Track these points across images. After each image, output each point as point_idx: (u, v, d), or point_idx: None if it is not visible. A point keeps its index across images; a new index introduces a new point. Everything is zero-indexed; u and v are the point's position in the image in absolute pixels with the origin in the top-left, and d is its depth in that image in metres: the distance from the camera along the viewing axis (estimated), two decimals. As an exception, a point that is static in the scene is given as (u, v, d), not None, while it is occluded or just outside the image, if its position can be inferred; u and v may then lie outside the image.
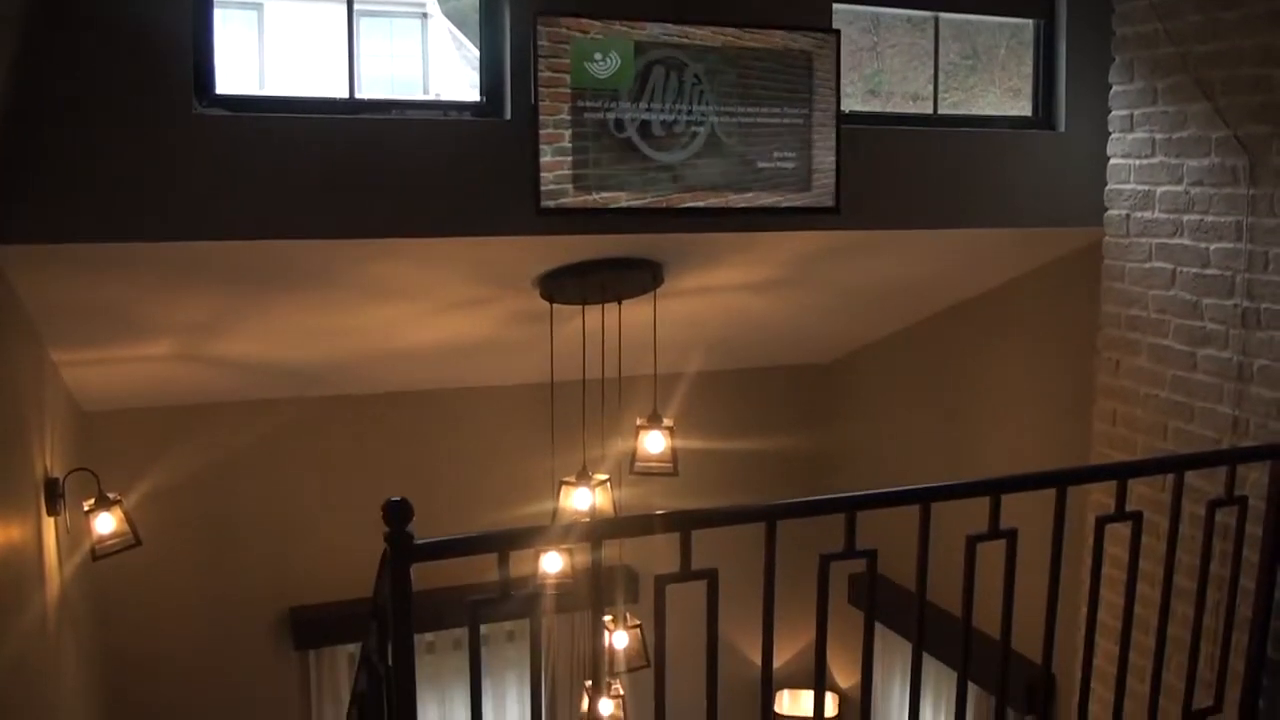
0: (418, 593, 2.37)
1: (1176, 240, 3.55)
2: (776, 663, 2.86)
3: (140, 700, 4.97)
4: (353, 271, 3.54)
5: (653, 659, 2.75)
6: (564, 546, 3.75)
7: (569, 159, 3.17)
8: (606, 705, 3.85)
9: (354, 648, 4.74)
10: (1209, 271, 3.44)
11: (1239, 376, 3.36)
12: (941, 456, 5.03)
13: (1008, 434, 4.67)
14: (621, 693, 4.03)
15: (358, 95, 3.23)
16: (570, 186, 3.19)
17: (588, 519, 3.67)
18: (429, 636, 5.30)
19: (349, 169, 3.12)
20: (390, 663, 2.36)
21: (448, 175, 3.20)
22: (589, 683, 4.13)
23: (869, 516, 2.71)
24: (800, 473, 5.65)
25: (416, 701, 2.39)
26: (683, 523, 2.56)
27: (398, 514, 2.26)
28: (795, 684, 5.83)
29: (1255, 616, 3.24)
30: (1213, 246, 3.43)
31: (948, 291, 4.83)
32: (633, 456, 4.05)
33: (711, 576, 2.60)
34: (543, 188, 3.15)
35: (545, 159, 3.15)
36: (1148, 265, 3.65)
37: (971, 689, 3.11)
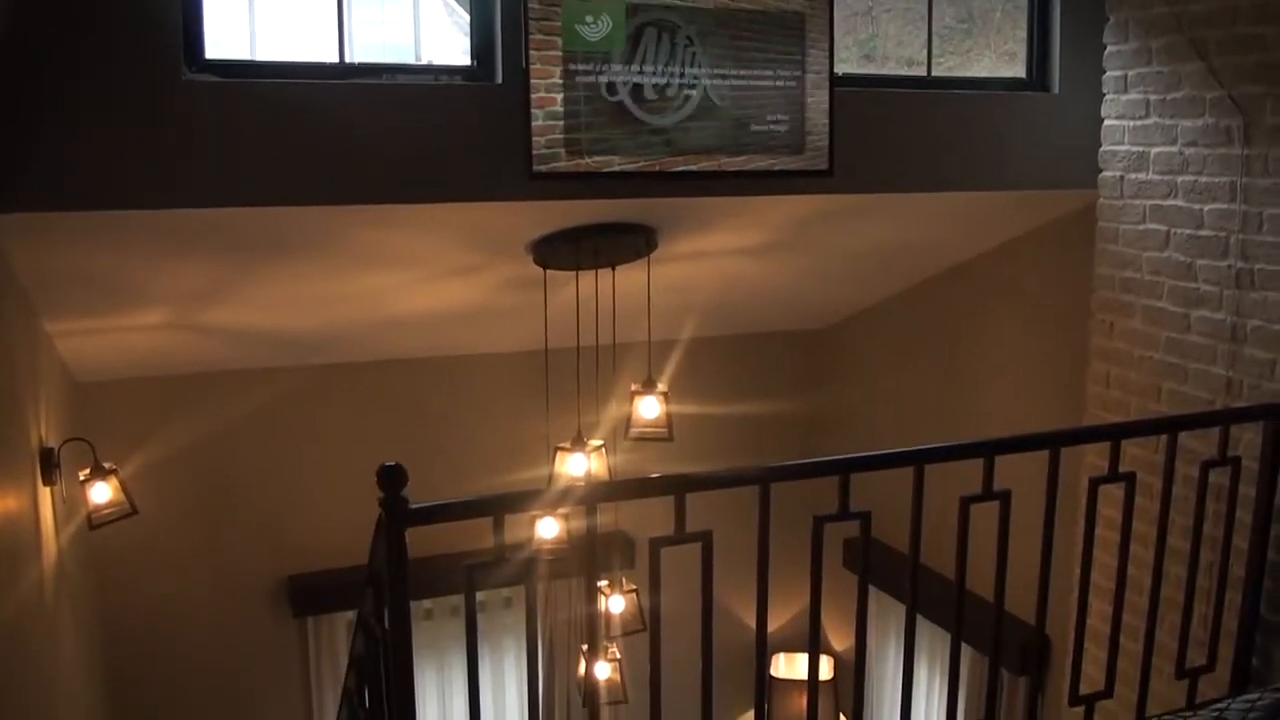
0: (415, 560, 2.38)
1: (1170, 202, 3.54)
2: (772, 626, 2.88)
3: (139, 667, 4.99)
4: (345, 238, 3.53)
5: (648, 623, 2.77)
6: (559, 512, 3.76)
7: (561, 123, 3.16)
8: (603, 668, 3.87)
9: (352, 614, 4.74)
10: (1203, 233, 3.44)
11: (1232, 338, 3.36)
12: (936, 420, 5.04)
13: (1002, 397, 4.68)
14: (618, 656, 4.05)
15: (348, 60, 3.21)
16: (562, 151, 3.17)
17: (583, 484, 3.68)
18: (426, 603, 5.33)
19: (340, 135, 3.10)
20: (387, 626, 2.37)
21: (439, 140, 3.19)
22: (586, 646, 4.14)
23: (863, 480, 2.72)
24: (795, 438, 5.67)
25: (414, 665, 2.41)
26: (677, 486, 2.57)
27: (392, 479, 2.27)
28: (791, 647, 5.87)
29: (1248, 576, 3.26)
30: (1207, 208, 3.42)
31: (942, 255, 4.82)
32: (628, 422, 4.05)
33: (706, 539, 2.62)
34: (535, 152, 3.14)
35: (537, 123, 3.13)
36: (1142, 227, 3.65)
37: (965, 650, 3.14)
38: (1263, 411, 3.18)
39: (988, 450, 2.84)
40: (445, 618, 5.37)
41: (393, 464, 2.27)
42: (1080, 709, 3.19)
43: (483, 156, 3.22)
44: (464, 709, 2.55)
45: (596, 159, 3.22)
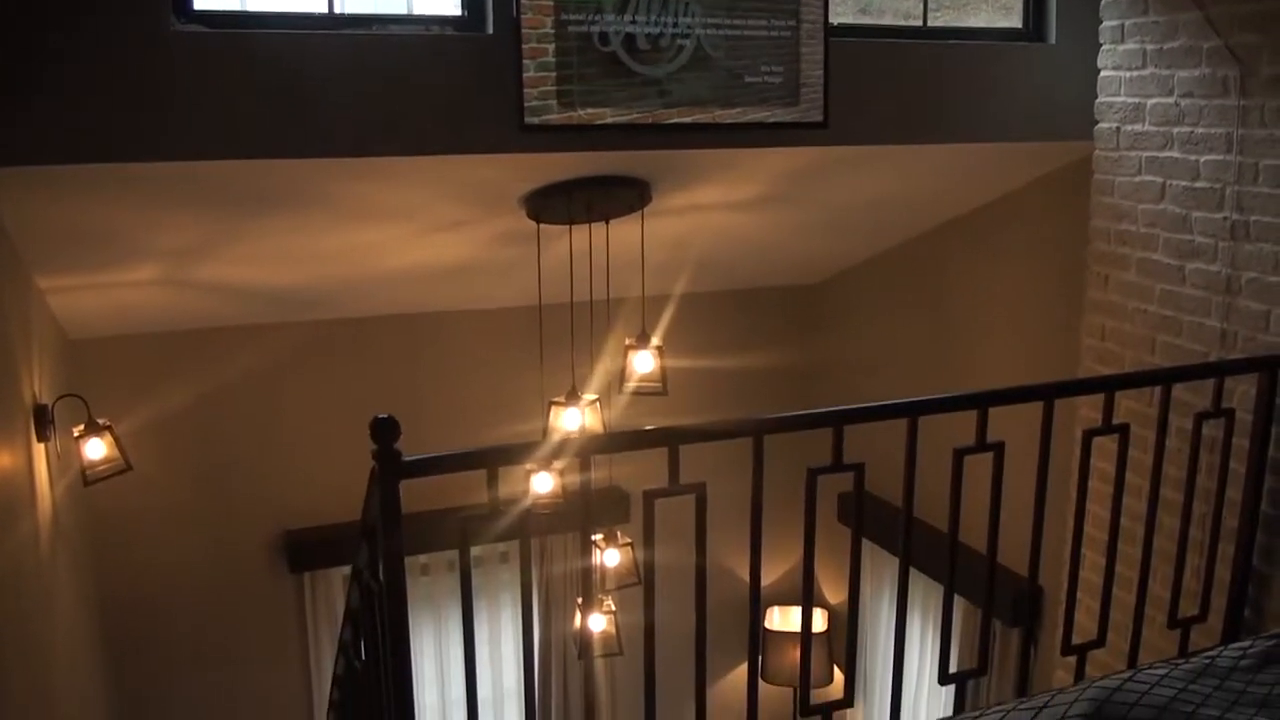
0: (410, 515, 2.38)
1: (1166, 153, 3.53)
2: (766, 580, 2.89)
3: (137, 621, 5.01)
4: (335, 192, 3.51)
5: (643, 576, 2.78)
6: (554, 466, 3.76)
7: (553, 74, 3.13)
8: (598, 621, 3.89)
9: (349, 569, 4.78)
10: (1199, 184, 3.42)
11: (1227, 290, 3.36)
12: (931, 375, 5.05)
13: (996, 351, 4.68)
14: (613, 609, 4.07)
15: (337, 11, 3.18)
16: (554, 102, 3.14)
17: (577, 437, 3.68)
18: (423, 558, 5.35)
19: (329, 86, 3.07)
20: (381, 578, 2.37)
21: (430, 92, 3.16)
22: (581, 600, 4.16)
23: (857, 434, 2.72)
24: (790, 393, 5.67)
25: (410, 619, 2.41)
26: (671, 438, 2.57)
27: (384, 430, 2.27)
28: (785, 600, 5.90)
29: (1241, 528, 3.27)
30: (1203, 159, 3.40)
31: (937, 209, 4.80)
32: (622, 377, 4.05)
33: (700, 491, 2.62)
34: (526, 104, 3.11)
35: (528, 74, 3.10)
36: (1137, 179, 3.63)
37: (958, 602, 3.15)
38: (1257, 363, 3.18)
39: (981, 402, 2.83)
40: (441, 573, 5.40)
41: (385, 416, 2.27)
42: (1072, 658, 3.21)
43: (474, 108, 3.20)
44: (461, 662, 2.55)
45: (589, 111, 3.19)
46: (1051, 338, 4.28)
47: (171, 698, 5.13)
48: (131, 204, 3.34)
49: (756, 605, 2.82)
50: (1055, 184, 4.22)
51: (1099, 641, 3.20)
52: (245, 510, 5.16)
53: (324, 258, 4.15)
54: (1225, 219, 3.33)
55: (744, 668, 3.07)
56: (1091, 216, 3.82)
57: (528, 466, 3.76)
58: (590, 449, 2.66)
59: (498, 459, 2.46)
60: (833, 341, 5.89)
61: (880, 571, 5.49)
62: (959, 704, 3.16)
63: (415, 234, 4.04)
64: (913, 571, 2.99)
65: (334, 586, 5.23)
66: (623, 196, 3.80)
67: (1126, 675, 2.21)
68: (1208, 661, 2.30)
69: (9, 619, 2.79)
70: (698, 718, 2.82)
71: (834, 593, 6.01)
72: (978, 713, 2.10)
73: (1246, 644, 2.41)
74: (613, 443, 2.76)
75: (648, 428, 2.66)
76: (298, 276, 4.36)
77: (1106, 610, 3.21)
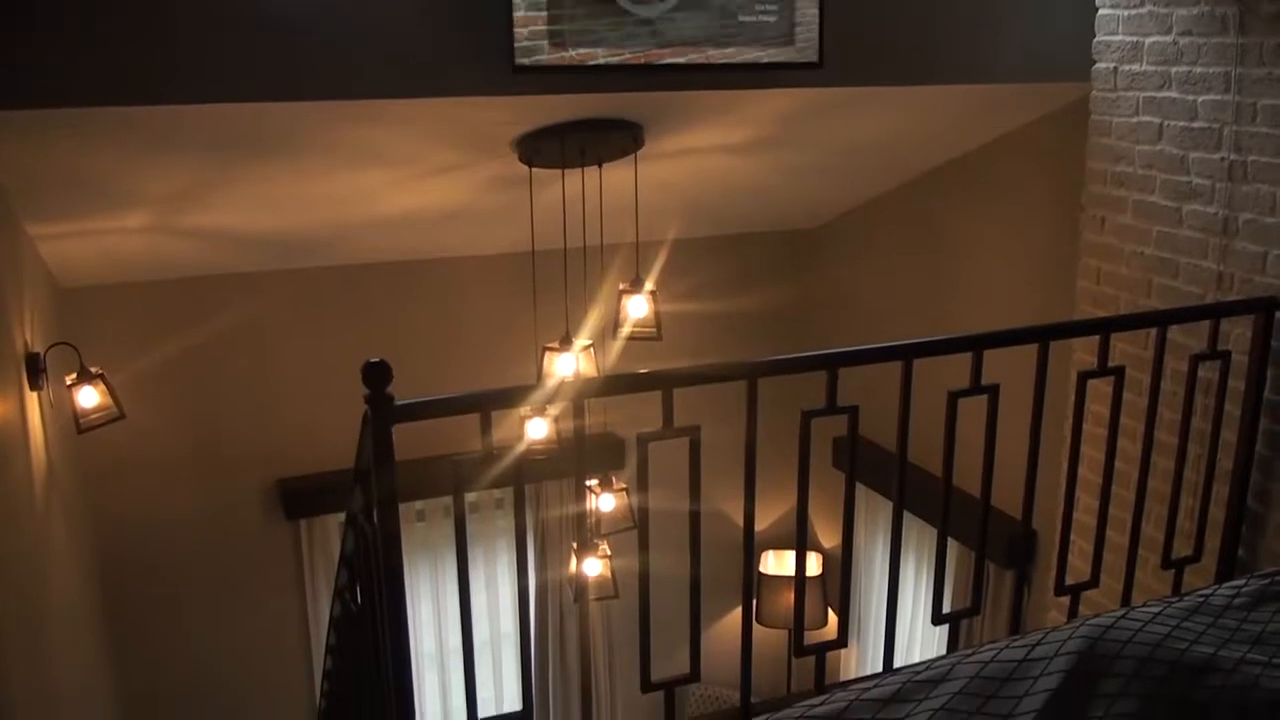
0: (405, 462, 2.38)
1: (1164, 93, 3.49)
2: (761, 525, 2.90)
3: (134, 571, 5.04)
4: (324, 137, 3.47)
5: (637, 520, 2.78)
6: (548, 412, 3.76)
7: (544, 14, 3.08)
8: (594, 564, 3.90)
9: (344, 516, 4.80)
10: (1196, 124, 3.39)
11: (1224, 231, 3.34)
12: (927, 319, 5.04)
13: (992, 296, 4.67)
14: (608, 553, 4.08)
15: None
16: (545, 43, 3.10)
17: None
18: (418, 505, 5.37)
19: (318, 28, 3.02)
20: (375, 522, 2.37)
21: (419, 33, 3.11)
22: (576, 544, 4.17)
23: (852, 378, 2.71)
24: (785, 339, 5.66)
25: (407, 566, 2.42)
26: (664, 381, 2.56)
27: (376, 374, 2.26)
28: (780, 545, 5.94)
29: (1236, 469, 3.28)
30: (1201, 99, 3.37)
31: (933, 151, 4.77)
32: (615, 322, 4.04)
33: (694, 434, 2.62)
34: (517, 44, 3.07)
35: (519, 14, 3.05)
36: (1135, 120, 3.60)
37: (952, 545, 3.16)
38: (1253, 305, 3.17)
39: (976, 344, 2.82)
40: (438, 519, 5.42)
41: (377, 360, 2.26)
42: (1066, 599, 3.23)
43: (464, 50, 3.15)
44: (458, 606, 2.56)
45: (581, 51, 3.15)
46: (1047, 280, 4.26)
47: (169, 644, 5.16)
48: (121, 149, 3.31)
49: (750, 543, 2.82)
50: (1052, 126, 4.19)
51: (1092, 582, 3.21)
52: (240, 458, 5.16)
53: (315, 204, 4.12)
54: (1223, 160, 3.31)
55: (739, 611, 3.09)
56: (1088, 158, 3.79)
57: (522, 412, 3.75)
58: (584, 393, 2.65)
59: (491, 403, 2.45)
60: (828, 286, 5.87)
61: (874, 516, 5.52)
62: (952, 644, 3.18)
63: (407, 179, 4.00)
64: (907, 515, 3.00)
65: (330, 533, 5.24)
66: (616, 140, 3.77)
67: (1120, 613, 2.21)
68: (1202, 600, 2.31)
69: (4, 567, 2.79)
70: (692, 660, 2.83)
71: (828, 537, 6.04)
72: (970, 650, 2.11)
73: (1241, 582, 2.41)
74: (606, 386, 2.75)
75: (642, 371, 2.65)
76: (289, 223, 4.33)
77: (1100, 551, 3.22)
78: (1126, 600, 3.27)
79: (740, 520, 2.80)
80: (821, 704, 1.99)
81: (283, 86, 3.02)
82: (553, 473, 5.25)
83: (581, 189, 3.91)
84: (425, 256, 5.16)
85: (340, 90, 3.09)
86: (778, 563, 5.93)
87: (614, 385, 2.73)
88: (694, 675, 2.84)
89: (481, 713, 2.64)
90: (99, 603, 4.79)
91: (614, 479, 4.26)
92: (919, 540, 4.99)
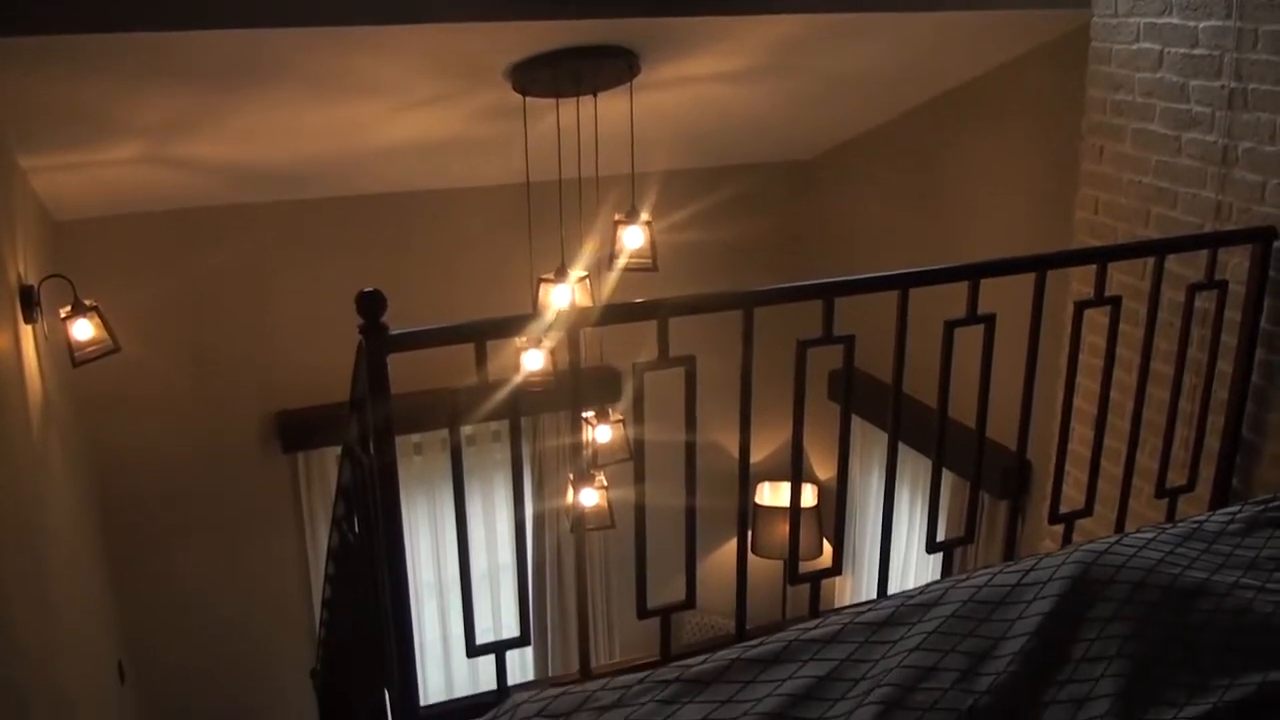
0: (401, 395, 2.38)
1: (1165, 19, 3.45)
2: (757, 457, 2.91)
3: (131, 504, 5.06)
4: (317, 64, 3.43)
5: (633, 451, 2.79)
6: (544, 345, 3.75)
7: (537, -63, 3.04)
8: (590, 495, 3.92)
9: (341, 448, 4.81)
10: (1197, 51, 3.35)
11: (1223, 160, 3.31)
12: (925, 250, 5.02)
13: (990, 227, 4.65)
14: (605, 484, 4.10)
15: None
16: (539, -33, 3.06)
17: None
18: (415, 438, 5.38)
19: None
20: (372, 451, 2.37)
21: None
22: (572, 475, 4.19)
23: (849, 309, 2.71)
24: (783, 271, 5.65)
25: (405, 499, 2.42)
26: (661, 310, 2.56)
27: (371, 303, 2.25)
28: (775, 477, 5.97)
29: (1231, 398, 3.28)
30: (1202, 25, 3.33)
31: (933, 80, 4.73)
32: (611, 253, 4.02)
33: (689, 364, 2.62)
34: (511, -31, 3.03)
35: (512, -62, 3.01)
36: (1135, 46, 3.55)
37: (947, 476, 3.17)
38: (1251, 234, 3.15)
39: (973, 274, 2.81)
40: (435, 451, 5.43)
41: (371, 289, 2.25)
42: (1059, 528, 3.25)
43: (456, -28, 3.11)
44: (456, 539, 2.57)
45: (575, -24, 3.10)
46: (1045, 211, 4.24)
47: (169, 573, 5.20)
48: (113, 78, 3.26)
49: (746, 474, 2.83)
50: (1052, 54, 4.14)
51: (1086, 511, 3.23)
52: (237, 391, 5.17)
53: (308, 134, 4.09)
54: (1223, 87, 3.27)
55: (734, 543, 3.11)
56: (1088, 86, 3.75)
57: (518, 343, 3.75)
58: (580, 322, 2.64)
59: (486, 332, 2.44)
60: (826, 218, 5.85)
61: (870, 449, 5.54)
62: (946, 574, 3.20)
63: (400, 109, 3.96)
64: (901, 447, 3.01)
65: (327, 465, 5.26)
66: (611, 68, 3.72)
67: (1113, 539, 2.23)
68: (1195, 526, 2.32)
69: (3, 500, 2.80)
70: (688, 586, 2.86)
71: (823, 469, 6.06)
72: (965, 574, 2.13)
73: (1235, 509, 2.43)
74: (602, 316, 2.73)
75: (638, 300, 2.65)
76: (282, 154, 4.30)
77: (1094, 481, 3.23)
78: (1120, 529, 3.29)
79: (734, 450, 2.81)
80: (815, 627, 2.01)
81: (274, 12, 2.98)
82: (549, 405, 5.26)
83: (576, 119, 3.87)
84: (420, 188, 5.13)
85: (332, 16, 3.05)
86: (773, 494, 5.97)
87: (610, 315, 2.72)
88: (689, 602, 2.87)
89: (480, 641, 2.66)
90: (98, 533, 4.82)
91: (610, 411, 4.27)
92: (914, 472, 5.02)
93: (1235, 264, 3.24)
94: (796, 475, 2.88)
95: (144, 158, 4.06)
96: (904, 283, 2.76)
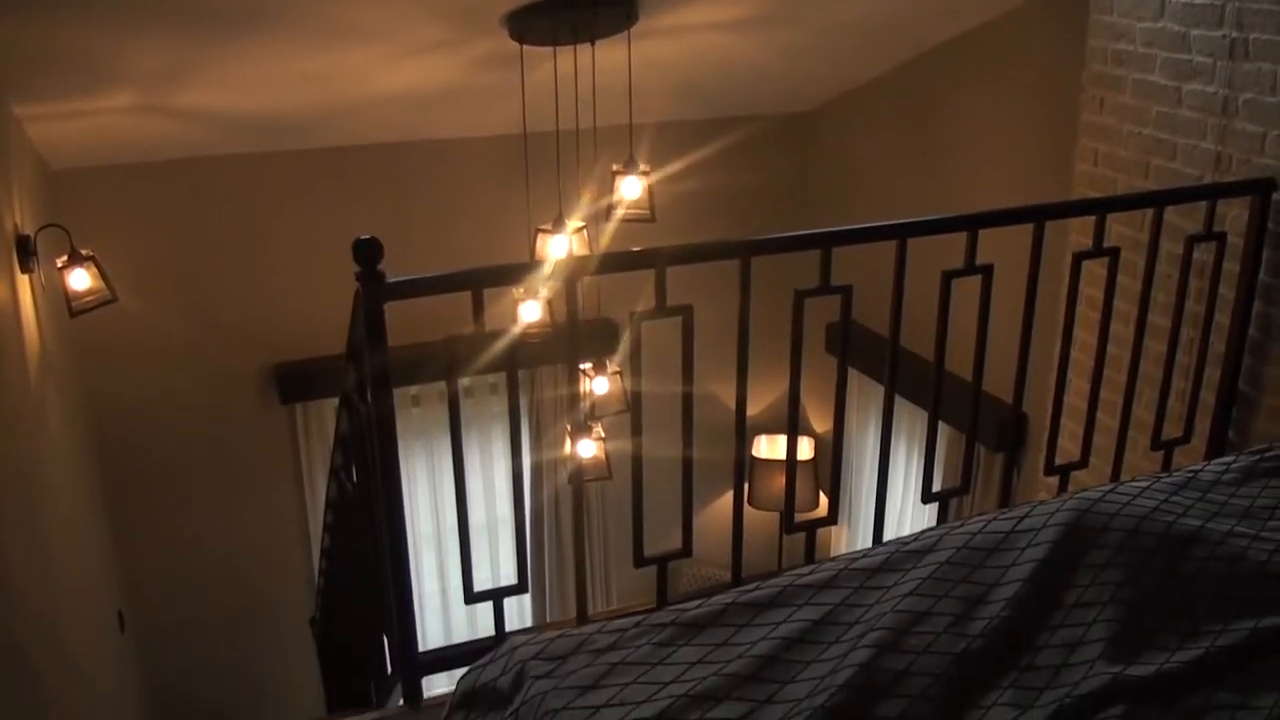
0: (399, 346, 2.38)
1: (1168, -32, 3.42)
2: (754, 410, 2.91)
3: (129, 455, 5.07)
4: (313, 8, 3.40)
5: (631, 402, 2.80)
6: (541, 295, 3.74)
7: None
8: (588, 446, 3.93)
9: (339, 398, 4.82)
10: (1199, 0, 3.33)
11: (1223, 111, 3.30)
12: (923, 202, 5.00)
13: (990, 178, 4.63)
14: (602, 435, 4.11)
15: None
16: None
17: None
18: (413, 390, 5.38)
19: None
20: (370, 399, 2.38)
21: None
22: (570, 426, 4.19)
23: (846, 259, 2.70)
24: (781, 221, 5.63)
25: (403, 450, 2.43)
26: (658, 259, 2.55)
27: (367, 251, 2.25)
28: (772, 429, 5.97)
29: (1228, 351, 3.28)
30: (1205, -29, 3.30)
31: (933, 29, 4.69)
32: (609, 204, 4.00)
33: (686, 314, 2.62)
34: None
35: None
36: (1137, -5, 3.53)
37: (943, 429, 3.18)
38: (1250, 186, 3.14)
39: (971, 224, 2.81)
40: (433, 403, 5.44)
41: (367, 237, 2.24)
42: (1054, 479, 3.26)
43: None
44: (454, 489, 2.58)
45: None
46: (1046, 163, 4.23)
47: (168, 524, 5.22)
48: (108, 24, 3.24)
49: (742, 424, 2.84)
50: (1052, 6, 4.11)
51: (1082, 463, 3.24)
52: (234, 342, 5.16)
53: (305, 82, 4.06)
54: (1224, 36, 3.25)
55: (730, 495, 3.12)
56: (1089, 36, 3.72)
57: (515, 294, 3.74)
58: (577, 271, 2.64)
59: (483, 280, 2.44)
60: (824, 169, 5.83)
61: (866, 402, 5.55)
62: (941, 523, 3.22)
63: (396, 56, 3.93)
64: (898, 399, 3.01)
65: (325, 416, 5.27)
66: (609, 15, 3.69)
67: (1108, 487, 2.24)
68: (1191, 475, 2.33)
69: (1, 450, 2.80)
70: (684, 534, 2.87)
71: (820, 421, 6.08)
72: (960, 521, 2.14)
73: (1230, 459, 2.44)
74: (600, 264, 2.73)
75: (635, 249, 2.64)
76: (279, 102, 4.27)
77: (1090, 433, 3.24)
78: (1116, 481, 3.30)
79: (731, 402, 2.81)
80: (810, 573, 2.02)
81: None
82: (547, 357, 5.25)
83: (574, 68, 3.84)
84: (417, 138, 5.10)
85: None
86: (770, 447, 5.98)
87: (607, 263, 2.72)
88: (686, 550, 2.88)
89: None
90: (98, 484, 4.83)
91: (608, 363, 4.27)
92: (910, 425, 5.03)
93: (1234, 216, 3.23)
94: (793, 421, 2.88)
95: (141, 106, 4.04)
96: (902, 233, 2.75)
